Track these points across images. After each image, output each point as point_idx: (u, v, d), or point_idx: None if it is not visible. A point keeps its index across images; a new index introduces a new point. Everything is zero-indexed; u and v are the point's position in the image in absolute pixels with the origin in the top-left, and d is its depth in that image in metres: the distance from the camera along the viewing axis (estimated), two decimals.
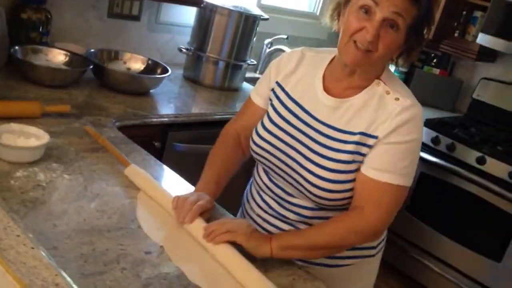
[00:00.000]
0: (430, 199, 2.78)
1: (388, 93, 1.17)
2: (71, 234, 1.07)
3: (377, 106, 1.16)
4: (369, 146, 1.16)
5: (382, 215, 1.16)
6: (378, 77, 1.19)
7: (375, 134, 1.15)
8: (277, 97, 1.28)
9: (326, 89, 1.22)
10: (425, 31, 1.16)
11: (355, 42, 1.11)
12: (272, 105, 1.29)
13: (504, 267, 2.51)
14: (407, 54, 1.18)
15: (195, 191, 1.28)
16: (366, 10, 1.09)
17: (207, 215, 1.21)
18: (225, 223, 1.14)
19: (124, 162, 1.40)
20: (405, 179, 1.15)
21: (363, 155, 1.16)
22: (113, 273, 0.99)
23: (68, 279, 0.78)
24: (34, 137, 1.34)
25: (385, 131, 1.14)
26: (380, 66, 1.19)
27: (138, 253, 1.07)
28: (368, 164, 1.16)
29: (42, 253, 0.85)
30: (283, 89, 1.28)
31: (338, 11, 1.20)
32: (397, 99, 1.16)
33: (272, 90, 1.30)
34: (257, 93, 1.37)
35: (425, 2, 1.10)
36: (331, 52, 1.26)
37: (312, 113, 1.22)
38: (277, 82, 1.30)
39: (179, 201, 1.19)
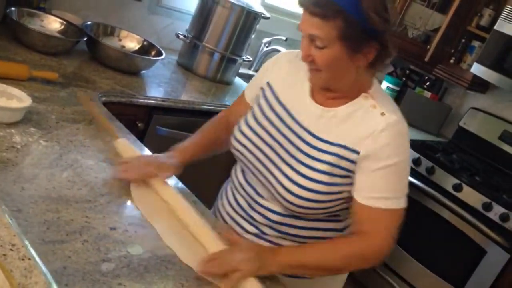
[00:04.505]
0: (403, 218, 2.80)
1: (374, 107, 1.15)
2: (38, 199, 1.06)
3: (361, 120, 1.15)
4: (351, 161, 1.14)
5: (387, 240, 1.16)
6: (365, 91, 1.17)
7: (357, 149, 1.13)
8: (265, 97, 1.28)
9: (313, 95, 1.22)
10: (385, 32, 1.07)
11: None
12: (259, 104, 1.29)
13: None
14: (380, 58, 1.12)
15: (170, 150, 1.36)
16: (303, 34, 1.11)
17: (165, 175, 1.30)
18: (228, 263, 1.07)
19: (114, 135, 1.44)
20: (402, 200, 1.16)
21: (346, 170, 1.15)
22: (74, 244, 0.98)
23: (26, 241, 0.78)
24: (16, 99, 1.33)
25: (369, 147, 1.12)
26: (348, 78, 1.15)
27: (103, 227, 1.07)
28: (364, 193, 1.14)
29: (3, 212, 0.84)
30: (272, 90, 1.28)
31: None
32: (382, 114, 1.14)
33: (262, 89, 1.31)
34: (250, 89, 1.39)
35: (352, 9, 1.03)
36: None
37: (297, 118, 1.22)
38: (267, 83, 1.29)
39: (134, 159, 1.30)
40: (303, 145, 1.19)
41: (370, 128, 1.13)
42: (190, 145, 1.38)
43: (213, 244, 1.14)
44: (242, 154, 1.28)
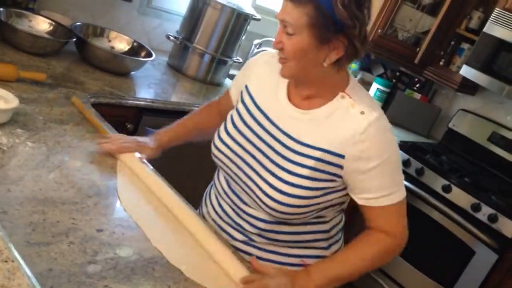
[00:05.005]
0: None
1: (353, 106, 1.14)
2: (24, 201, 1.05)
3: (341, 121, 1.14)
4: (337, 166, 1.13)
5: (402, 231, 1.22)
6: (342, 90, 1.16)
7: (341, 153, 1.12)
8: (243, 101, 1.28)
9: (290, 97, 1.21)
10: (355, 27, 1.07)
11: None
12: (237, 109, 1.28)
13: None
14: (349, 53, 1.11)
15: (155, 133, 1.46)
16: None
17: (144, 154, 1.38)
18: (267, 285, 1.10)
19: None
20: (402, 191, 1.19)
21: (330, 173, 1.14)
22: (60, 246, 0.98)
23: (10, 243, 0.77)
24: (3, 99, 1.32)
25: (354, 149, 1.11)
26: (317, 72, 1.13)
27: (89, 229, 1.06)
28: (364, 195, 1.16)
29: None
30: (249, 94, 1.27)
31: None
32: (362, 112, 1.13)
33: (241, 92, 1.30)
34: (234, 87, 1.39)
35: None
36: None
37: (275, 122, 1.20)
38: (246, 86, 1.29)
39: (116, 136, 1.41)
40: (283, 150, 1.18)
41: (352, 129, 1.12)
42: (172, 127, 1.47)
43: (215, 247, 1.15)
44: (222, 162, 1.27)
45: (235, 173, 1.25)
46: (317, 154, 1.14)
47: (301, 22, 1.06)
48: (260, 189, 1.18)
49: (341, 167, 1.14)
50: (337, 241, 1.33)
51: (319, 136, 1.15)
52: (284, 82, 1.22)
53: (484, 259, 2.46)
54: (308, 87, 1.18)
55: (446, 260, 2.61)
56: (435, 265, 2.64)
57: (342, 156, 1.13)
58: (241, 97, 1.29)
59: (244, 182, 1.23)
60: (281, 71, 1.16)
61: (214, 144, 1.28)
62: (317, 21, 1.06)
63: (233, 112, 1.29)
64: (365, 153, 1.12)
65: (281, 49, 1.11)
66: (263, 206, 1.18)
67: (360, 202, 1.17)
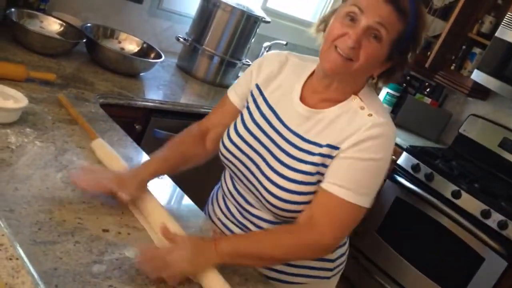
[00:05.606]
0: (401, 224, 2.80)
1: (362, 108, 1.14)
2: (31, 200, 1.06)
3: (348, 120, 1.14)
4: (332, 158, 1.13)
5: (334, 232, 1.11)
6: (355, 93, 1.17)
7: (339, 146, 1.12)
8: (254, 101, 1.26)
9: (303, 99, 1.20)
10: (409, 54, 1.15)
11: (336, 48, 1.10)
12: (248, 109, 1.26)
13: None
14: (389, 74, 1.17)
15: (136, 167, 1.26)
16: (352, 18, 1.09)
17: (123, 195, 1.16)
18: (162, 265, 1.01)
19: (92, 135, 1.39)
20: (364, 199, 1.10)
21: (327, 166, 1.14)
22: (66, 245, 0.98)
23: (15, 242, 0.77)
24: (13, 99, 1.33)
25: (350, 142, 1.11)
26: (358, 80, 1.17)
27: (95, 229, 1.07)
28: (328, 178, 1.11)
29: None
30: (261, 93, 1.26)
31: (325, 23, 1.19)
32: (370, 115, 1.13)
33: (251, 92, 1.28)
34: (235, 91, 1.33)
35: (412, 20, 1.09)
36: (315, 61, 1.23)
37: (284, 120, 1.20)
38: (256, 85, 1.27)
39: (88, 169, 1.20)
40: (289, 147, 1.17)
41: (356, 127, 1.12)
42: (154, 162, 1.26)
43: None
44: (230, 161, 1.26)
45: (241, 172, 1.24)
46: (322, 150, 1.14)
47: (394, 33, 1.08)
48: (263, 186, 1.17)
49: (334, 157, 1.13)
50: (340, 246, 1.32)
51: (326, 133, 1.15)
52: (301, 83, 1.22)
53: (493, 266, 2.43)
54: (339, 89, 1.17)
55: (454, 266, 2.58)
56: (443, 271, 2.62)
57: (338, 148, 1.12)
58: (252, 96, 1.27)
59: (249, 181, 1.22)
60: (333, 65, 1.11)
61: (222, 143, 1.27)
62: (401, 39, 1.09)
63: (244, 111, 1.28)
64: (356, 144, 1.10)
65: (352, 50, 1.09)
66: (266, 204, 1.18)
67: (323, 184, 1.11)
